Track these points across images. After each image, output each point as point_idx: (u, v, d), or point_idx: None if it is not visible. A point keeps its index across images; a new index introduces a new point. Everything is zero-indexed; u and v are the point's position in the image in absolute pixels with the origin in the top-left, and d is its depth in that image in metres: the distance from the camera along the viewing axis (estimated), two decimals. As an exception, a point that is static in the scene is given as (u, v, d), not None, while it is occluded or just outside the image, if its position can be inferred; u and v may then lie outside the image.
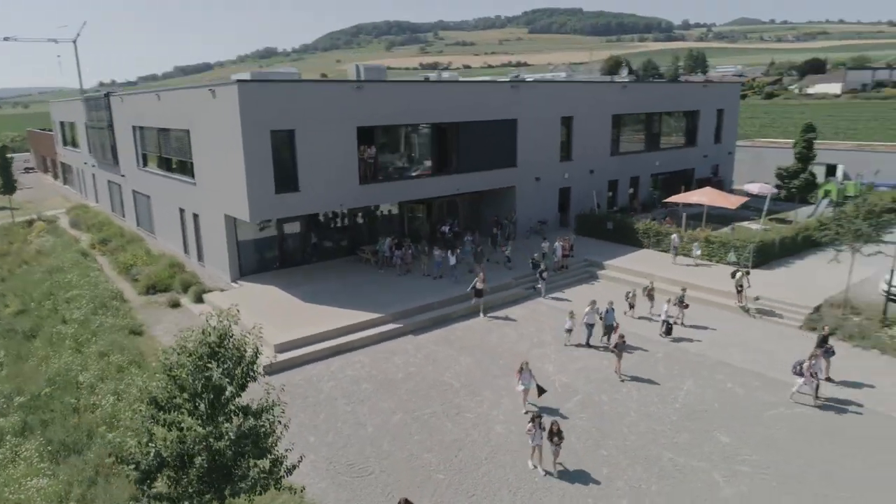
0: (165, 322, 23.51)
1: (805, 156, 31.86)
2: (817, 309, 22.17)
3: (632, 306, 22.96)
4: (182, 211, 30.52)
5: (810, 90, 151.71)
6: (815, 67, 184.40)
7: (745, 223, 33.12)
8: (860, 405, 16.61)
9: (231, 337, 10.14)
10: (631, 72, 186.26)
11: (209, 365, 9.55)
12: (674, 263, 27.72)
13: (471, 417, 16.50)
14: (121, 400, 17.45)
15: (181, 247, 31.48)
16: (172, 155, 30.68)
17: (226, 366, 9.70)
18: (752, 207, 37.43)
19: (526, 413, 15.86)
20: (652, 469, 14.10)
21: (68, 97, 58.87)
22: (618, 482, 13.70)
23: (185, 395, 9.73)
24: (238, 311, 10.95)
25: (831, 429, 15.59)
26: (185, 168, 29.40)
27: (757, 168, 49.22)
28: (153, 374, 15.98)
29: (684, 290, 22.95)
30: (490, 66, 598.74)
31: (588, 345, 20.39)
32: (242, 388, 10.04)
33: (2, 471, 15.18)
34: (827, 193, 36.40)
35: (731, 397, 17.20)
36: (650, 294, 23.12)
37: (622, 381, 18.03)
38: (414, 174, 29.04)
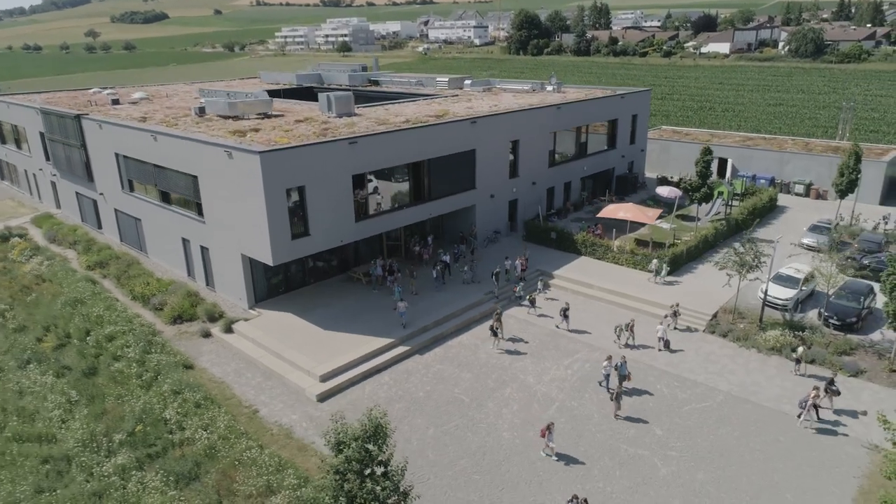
0: (207, 353, 28.01)
1: (704, 174, 39.52)
2: (715, 315, 29.98)
3: (619, 338, 28.07)
4: (186, 241, 34.13)
5: (704, 49, 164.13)
6: (707, 24, 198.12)
7: (658, 222, 40.60)
8: (743, 399, 24.34)
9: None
10: (542, 32, 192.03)
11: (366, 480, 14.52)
12: (655, 283, 33.47)
13: (483, 427, 22.84)
14: (212, 434, 22.39)
15: (184, 270, 35.19)
16: (175, 191, 33.92)
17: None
18: (662, 203, 45.48)
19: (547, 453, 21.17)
20: (615, 459, 21.09)
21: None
22: (594, 469, 20.57)
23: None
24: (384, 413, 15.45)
25: (724, 417, 23.15)
26: (191, 206, 32.96)
27: (664, 158, 57.54)
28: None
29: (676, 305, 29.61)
30: (395, 4, 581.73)
31: (607, 388, 24.46)
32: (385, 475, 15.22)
33: (143, 498, 20.01)
34: (720, 194, 44.61)
35: (660, 397, 24.49)
36: (631, 329, 27.89)
37: (616, 418, 22.87)
38: (395, 206, 34.14)
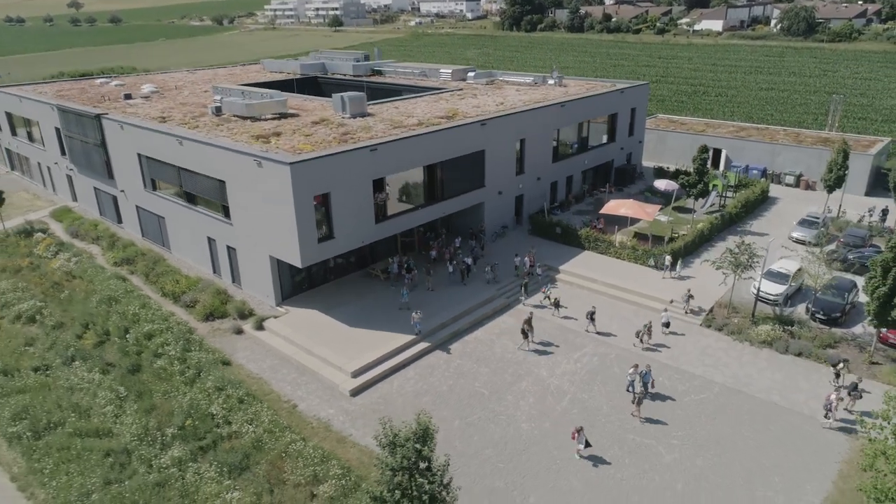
0: (241, 350, 30.08)
1: (701, 170, 41.56)
2: (711, 310, 32.36)
3: (642, 341, 29.64)
4: (212, 240, 35.92)
5: (697, 26, 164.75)
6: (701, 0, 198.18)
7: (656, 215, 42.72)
8: (737, 390, 26.80)
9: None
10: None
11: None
12: (670, 277, 35.59)
13: (504, 419, 25.18)
14: (258, 427, 24.59)
15: (209, 267, 37.06)
16: (201, 193, 35.58)
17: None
18: (660, 194, 47.67)
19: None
20: (623, 447, 23.54)
21: (7, 91, 58.57)
22: (605, 457, 22.99)
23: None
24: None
25: (720, 408, 25.61)
26: (217, 207, 34.68)
27: (660, 148, 59.48)
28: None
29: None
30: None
31: (633, 393, 25.63)
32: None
33: (201, 488, 22.26)
34: (714, 187, 46.73)
35: (662, 389, 26.90)
36: (649, 330, 29.80)
37: (633, 416, 24.82)
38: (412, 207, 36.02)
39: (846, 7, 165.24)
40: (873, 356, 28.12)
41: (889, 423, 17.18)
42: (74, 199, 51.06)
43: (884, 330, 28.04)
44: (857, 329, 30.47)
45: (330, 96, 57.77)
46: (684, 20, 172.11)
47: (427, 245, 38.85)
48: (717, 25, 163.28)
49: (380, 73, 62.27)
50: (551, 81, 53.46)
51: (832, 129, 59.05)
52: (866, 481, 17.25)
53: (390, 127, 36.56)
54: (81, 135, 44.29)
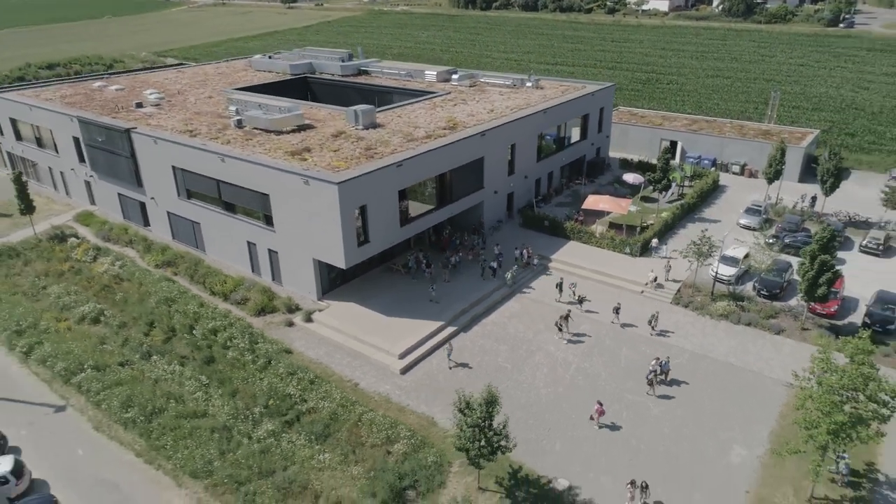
0: (297, 340, 35.64)
1: (664, 168, 48.61)
2: (679, 290, 39.64)
3: (653, 328, 35.55)
4: (253, 244, 40.91)
5: (645, 6, 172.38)
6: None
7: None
8: (702, 355, 34.14)
9: None
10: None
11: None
12: (657, 257, 42.79)
13: (525, 387, 31.78)
14: (331, 403, 30.42)
15: (248, 267, 42.10)
16: (242, 204, 40.38)
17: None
18: (627, 185, 54.79)
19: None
20: (621, 403, 30.53)
21: (9, 97, 60.74)
22: (608, 412, 29.87)
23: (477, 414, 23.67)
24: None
25: (691, 370, 32.84)
26: (258, 216, 39.67)
27: (623, 140, 66.47)
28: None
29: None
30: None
31: (653, 381, 30.92)
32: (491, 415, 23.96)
33: (296, 452, 28.12)
34: (674, 179, 54.00)
35: (643, 355, 33.96)
36: (656, 318, 35.82)
37: (649, 395, 31.12)
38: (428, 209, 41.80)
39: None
40: (805, 324, 35.93)
41: (814, 376, 24.44)
42: (92, 202, 54.51)
43: (812, 303, 35.73)
44: (793, 302, 38.27)
45: (325, 98, 62.84)
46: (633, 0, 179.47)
47: (448, 243, 44.44)
48: (663, 5, 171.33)
49: (366, 73, 66.88)
50: (529, 84, 59.39)
51: (771, 122, 67.18)
52: (799, 417, 24.60)
53: (404, 140, 42.04)
54: (107, 145, 47.89)
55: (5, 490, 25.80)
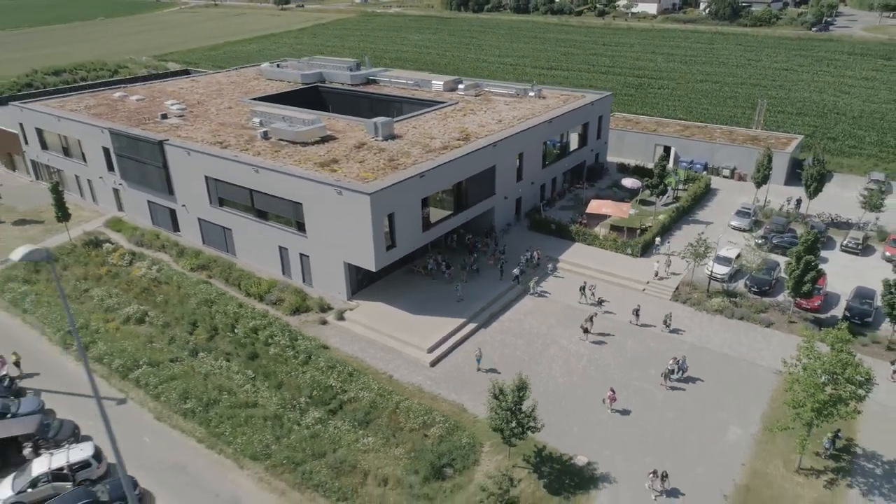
0: (332, 337, 38.90)
1: (661, 173, 52.35)
2: (677, 288, 43.35)
3: (667, 325, 38.85)
4: (284, 249, 44.08)
5: (634, 9, 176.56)
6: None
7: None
8: (700, 346, 37.84)
9: None
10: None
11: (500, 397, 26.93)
12: (658, 253, 46.71)
13: (543, 377, 35.29)
14: (370, 392, 33.77)
15: (279, 270, 45.26)
16: (275, 212, 43.51)
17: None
18: (627, 191, 58.45)
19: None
20: (629, 389, 34.14)
21: (35, 108, 63.25)
22: (619, 398, 33.48)
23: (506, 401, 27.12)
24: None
25: (691, 360, 36.47)
26: (290, 223, 42.86)
27: (619, 145, 70.20)
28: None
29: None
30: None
31: (671, 377, 34.30)
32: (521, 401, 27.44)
33: (342, 436, 31.44)
34: (669, 184, 57.74)
35: (647, 347, 37.63)
36: (670, 318, 39.44)
37: (666, 388, 34.45)
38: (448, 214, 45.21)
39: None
40: (791, 317, 39.76)
41: (800, 362, 28.14)
42: (120, 209, 57.33)
43: (798, 299, 39.50)
44: (780, 298, 42.09)
45: (336, 107, 65.92)
46: (622, 2, 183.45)
47: (473, 246, 47.83)
48: (651, 8, 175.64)
49: (375, 82, 70.02)
50: (532, 94, 62.87)
51: (758, 128, 71.17)
52: (787, 398, 28.33)
53: (423, 151, 45.38)
54: (138, 156, 50.79)
55: (89, 472, 28.93)
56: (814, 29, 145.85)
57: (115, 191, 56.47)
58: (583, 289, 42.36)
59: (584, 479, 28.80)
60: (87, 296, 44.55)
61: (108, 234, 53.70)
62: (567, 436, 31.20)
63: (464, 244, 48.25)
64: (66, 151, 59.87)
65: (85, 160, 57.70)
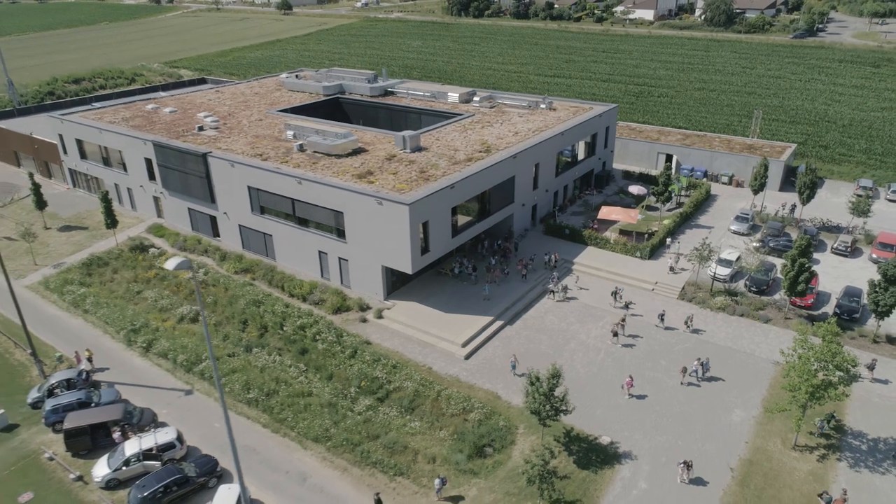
0: (373, 334, 42.91)
1: (666, 181, 56.62)
2: (683, 287, 47.57)
3: (688, 326, 42.85)
4: (324, 253, 48.06)
5: (632, 15, 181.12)
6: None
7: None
8: (705, 340, 42.03)
9: None
10: None
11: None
12: (668, 253, 51.08)
13: (566, 368, 39.34)
14: (413, 383, 37.80)
15: (317, 273, 49.24)
16: (316, 219, 47.46)
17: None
18: (632, 196, 62.70)
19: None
20: (643, 378, 38.30)
21: (75, 120, 66.92)
22: (638, 386, 37.63)
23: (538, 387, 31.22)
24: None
25: (697, 351, 40.67)
26: (330, 230, 46.83)
27: (624, 152, 74.43)
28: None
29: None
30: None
31: (696, 377, 38.19)
32: (553, 388, 31.55)
33: (392, 422, 35.47)
34: (672, 191, 61.97)
35: (658, 342, 41.82)
36: (691, 320, 43.34)
37: (684, 385, 38.34)
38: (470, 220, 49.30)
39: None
40: (787, 314, 44.06)
41: (795, 352, 32.35)
42: (159, 216, 61.15)
43: (793, 297, 43.74)
44: (777, 296, 46.38)
45: (357, 119, 69.86)
46: (619, 8, 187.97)
47: (506, 252, 52.06)
48: (648, 14, 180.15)
49: (393, 93, 74.01)
50: (543, 106, 66.98)
51: (754, 137, 75.53)
52: (785, 383, 32.59)
53: (450, 163, 49.45)
54: (181, 166, 54.65)
55: (173, 452, 32.86)
56: (790, 37, 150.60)
57: (156, 198, 60.26)
58: (615, 293, 46.03)
59: (609, 455, 32.98)
60: (141, 297, 48.41)
61: (151, 239, 57.49)
62: (591, 418, 35.36)
63: (494, 250, 52.25)
64: (106, 161, 63.60)
65: (125, 169, 61.46)
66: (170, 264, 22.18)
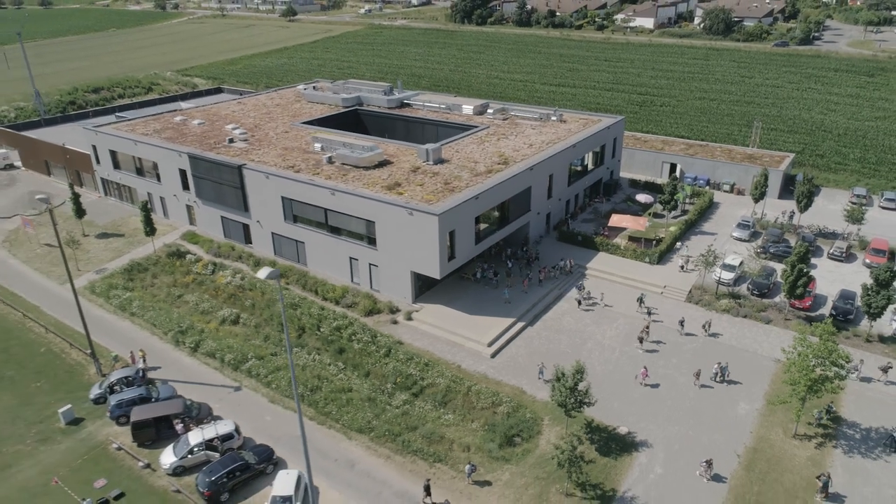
0: (403, 334, 46.26)
1: (672, 190, 60.17)
2: (690, 291, 51.06)
3: (706, 330, 46.47)
4: (354, 259, 51.45)
5: (632, 24, 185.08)
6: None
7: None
8: (712, 340, 45.49)
9: None
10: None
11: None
12: (682, 270, 54.21)
13: (585, 366, 42.79)
14: (445, 379, 41.16)
15: (348, 278, 52.63)
16: (348, 228, 50.83)
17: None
18: (639, 204, 66.22)
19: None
20: (655, 375, 41.73)
21: (110, 132, 70.24)
22: (648, 382, 41.06)
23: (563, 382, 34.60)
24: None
25: (704, 351, 44.13)
26: (361, 237, 50.23)
27: (630, 161, 77.98)
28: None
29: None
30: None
31: (716, 379, 40.79)
32: (578, 383, 34.95)
33: (428, 415, 38.82)
34: (678, 199, 65.44)
35: (670, 341, 45.27)
36: (710, 323, 46.80)
37: (698, 387, 41.60)
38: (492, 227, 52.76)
39: (756, 6, 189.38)
40: (787, 315, 47.58)
41: (795, 350, 35.82)
42: (191, 223, 64.47)
43: (792, 300, 47.22)
44: (777, 299, 49.91)
45: (375, 130, 73.27)
46: (620, 16, 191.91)
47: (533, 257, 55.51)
48: (648, 23, 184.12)
49: (409, 105, 77.44)
50: (554, 118, 70.50)
51: (754, 146, 79.19)
52: (785, 378, 36.09)
53: (471, 174, 52.91)
54: (216, 177, 58.01)
55: (231, 442, 36.19)
56: (774, 44, 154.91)
57: (189, 207, 63.58)
58: (640, 300, 49.19)
59: (627, 444, 36.43)
60: (182, 301, 51.70)
61: (186, 246, 60.80)
62: (609, 411, 38.79)
63: (516, 257, 55.69)
64: (140, 171, 66.91)
65: (159, 180, 64.77)
66: (261, 273, 25.51)
